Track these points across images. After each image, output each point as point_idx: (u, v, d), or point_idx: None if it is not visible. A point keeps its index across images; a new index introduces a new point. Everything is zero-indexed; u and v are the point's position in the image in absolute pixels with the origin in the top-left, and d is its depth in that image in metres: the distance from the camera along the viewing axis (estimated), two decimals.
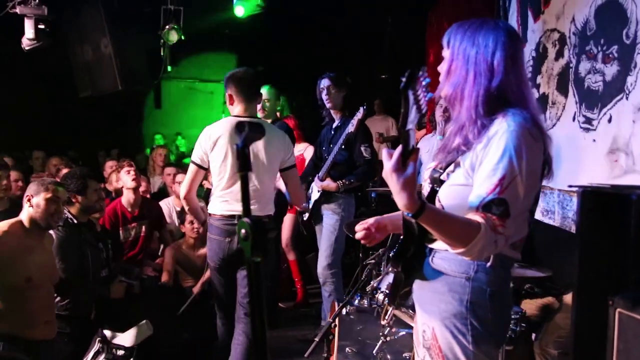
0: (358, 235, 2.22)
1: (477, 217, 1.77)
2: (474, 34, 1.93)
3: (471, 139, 1.89)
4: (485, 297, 1.92)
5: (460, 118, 1.94)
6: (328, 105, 4.83)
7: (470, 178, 1.89)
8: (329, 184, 4.72)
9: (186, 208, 4.02)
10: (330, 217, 4.81)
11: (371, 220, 2.21)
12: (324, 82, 4.81)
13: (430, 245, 2.02)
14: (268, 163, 3.77)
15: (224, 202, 3.74)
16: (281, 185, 4.80)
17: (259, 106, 5.30)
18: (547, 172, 1.97)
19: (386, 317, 3.07)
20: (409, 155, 1.72)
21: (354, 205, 4.96)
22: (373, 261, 3.95)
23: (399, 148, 1.73)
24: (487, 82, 1.89)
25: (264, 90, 5.28)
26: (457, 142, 1.94)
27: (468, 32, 1.95)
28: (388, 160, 1.73)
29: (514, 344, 3.31)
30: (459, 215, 1.82)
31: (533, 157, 1.84)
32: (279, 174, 3.97)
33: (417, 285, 2.10)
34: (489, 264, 1.92)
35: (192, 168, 3.81)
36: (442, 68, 2.01)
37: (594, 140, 3.88)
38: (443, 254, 1.98)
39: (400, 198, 1.73)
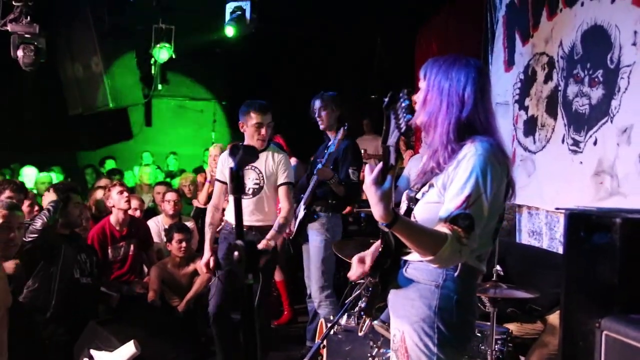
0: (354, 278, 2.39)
1: (444, 229, 1.97)
2: (448, 68, 2.15)
3: (442, 163, 2.08)
4: (452, 304, 2.09)
5: (433, 143, 2.13)
6: (321, 126, 4.77)
7: (442, 196, 2.06)
8: (326, 171, 4.56)
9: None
10: (315, 238, 4.72)
11: (355, 259, 2.38)
12: (316, 104, 4.74)
13: (405, 258, 2.18)
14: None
15: None
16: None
17: None
18: (510, 193, 2.16)
19: (364, 329, 3.15)
20: (388, 171, 1.90)
21: (341, 226, 4.88)
22: (362, 281, 3.94)
23: (380, 163, 1.92)
24: (458, 112, 2.10)
25: None
26: (430, 166, 2.13)
27: (443, 67, 2.16)
28: (369, 173, 1.92)
29: None
30: (430, 227, 2.01)
31: (497, 178, 2.03)
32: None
33: (392, 294, 2.25)
34: (456, 273, 2.08)
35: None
36: (418, 98, 2.20)
37: (581, 163, 3.93)
38: (416, 264, 2.14)
39: (377, 209, 1.91)
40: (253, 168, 4.30)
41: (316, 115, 4.76)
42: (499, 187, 2.05)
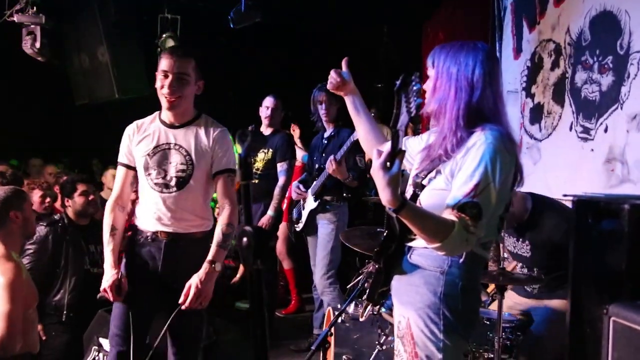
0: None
1: (451, 217, 1.96)
2: (455, 54, 2.13)
3: (449, 150, 2.07)
4: (457, 290, 2.09)
5: (443, 130, 2.11)
6: (324, 118, 4.78)
7: (450, 183, 2.06)
8: (343, 171, 4.50)
9: None
10: (325, 227, 4.77)
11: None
12: (322, 95, 4.73)
13: (409, 244, 2.18)
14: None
15: None
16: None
17: (264, 114, 5.30)
18: (518, 180, 2.16)
19: (365, 315, 3.19)
20: (397, 155, 1.87)
21: (347, 215, 4.93)
22: (367, 269, 3.95)
23: (388, 147, 1.89)
24: (468, 96, 2.07)
25: (270, 99, 5.28)
26: (438, 153, 2.11)
27: (450, 52, 2.14)
28: (377, 158, 1.90)
29: (509, 352, 3.33)
30: (437, 214, 2.00)
31: (506, 168, 2.02)
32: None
33: (396, 280, 2.25)
34: (461, 260, 2.08)
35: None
36: (428, 86, 2.19)
37: (592, 150, 3.92)
38: (420, 250, 2.14)
39: (384, 194, 1.89)
40: (176, 147, 3.02)
41: (322, 106, 4.76)
42: (507, 176, 2.04)
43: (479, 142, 2.01)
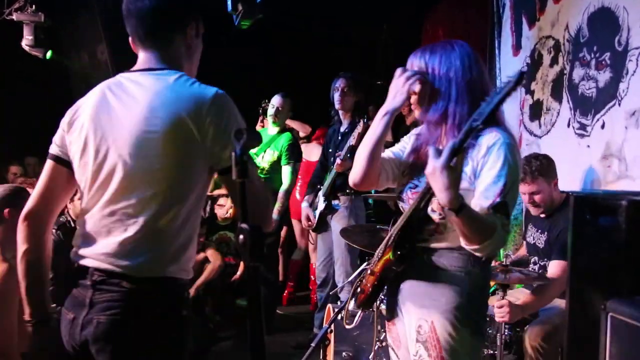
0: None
1: (490, 217, 1.92)
2: (448, 57, 2.10)
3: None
4: (480, 289, 2.12)
5: (448, 133, 2.09)
6: (337, 106, 4.63)
7: (473, 183, 2.03)
8: (345, 164, 4.28)
9: None
10: (338, 226, 4.56)
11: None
12: (340, 82, 4.59)
13: (430, 245, 2.12)
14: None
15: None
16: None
17: (270, 112, 5.27)
18: None
19: (356, 321, 3.16)
20: (458, 152, 1.78)
21: (364, 210, 4.80)
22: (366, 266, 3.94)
23: (450, 145, 1.78)
24: (471, 96, 2.04)
25: (277, 98, 5.26)
26: None
27: (443, 55, 2.12)
28: (436, 157, 1.79)
29: (509, 349, 3.33)
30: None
31: (520, 166, 2.11)
32: None
33: (411, 284, 2.18)
34: (483, 258, 2.06)
35: (50, 166, 2.11)
36: (420, 92, 2.13)
37: (589, 146, 3.92)
38: (442, 252, 2.10)
39: (446, 194, 1.79)
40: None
41: (337, 94, 4.62)
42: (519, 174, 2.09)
43: (499, 142, 1.99)
